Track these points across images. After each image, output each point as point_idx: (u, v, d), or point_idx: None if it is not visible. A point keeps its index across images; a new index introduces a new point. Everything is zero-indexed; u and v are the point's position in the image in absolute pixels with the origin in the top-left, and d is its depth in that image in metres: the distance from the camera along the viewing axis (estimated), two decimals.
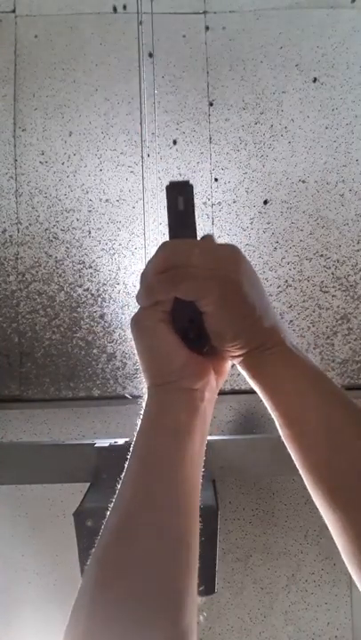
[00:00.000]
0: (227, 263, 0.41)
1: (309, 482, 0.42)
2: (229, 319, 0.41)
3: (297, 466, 0.43)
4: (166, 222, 0.45)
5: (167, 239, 0.45)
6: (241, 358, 0.44)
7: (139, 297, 0.43)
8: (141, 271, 0.43)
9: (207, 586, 0.87)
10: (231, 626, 1.13)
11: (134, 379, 1.13)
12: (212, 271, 0.40)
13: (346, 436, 0.41)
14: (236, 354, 0.44)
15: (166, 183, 0.45)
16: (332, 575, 1.12)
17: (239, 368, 0.45)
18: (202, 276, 0.40)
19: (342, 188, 1.15)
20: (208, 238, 0.45)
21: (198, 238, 0.45)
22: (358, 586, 0.39)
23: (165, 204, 0.45)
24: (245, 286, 0.41)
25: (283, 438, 0.44)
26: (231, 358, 0.45)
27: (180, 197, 0.44)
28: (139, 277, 0.44)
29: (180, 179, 0.45)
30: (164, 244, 0.42)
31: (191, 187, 0.44)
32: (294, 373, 0.43)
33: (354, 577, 0.39)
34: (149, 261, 0.42)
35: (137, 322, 0.43)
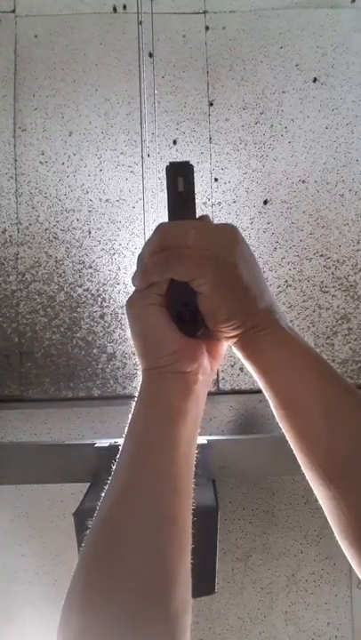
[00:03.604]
0: (222, 244, 0.41)
1: (304, 460, 0.42)
2: (224, 299, 0.42)
3: (291, 446, 0.43)
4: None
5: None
6: (236, 339, 0.44)
7: (134, 279, 0.43)
8: (138, 253, 0.43)
9: (207, 586, 0.87)
10: (231, 626, 1.13)
11: (134, 379, 1.13)
12: (207, 252, 0.40)
13: (340, 412, 0.41)
14: (231, 335, 0.44)
15: (166, 163, 0.44)
16: (332, 575, 1.12)
17: (234, 349, 0.46)
18: (197, 256, 0.40)
19: (342, 188, 1.16)
20: (205, 218, 0.45)
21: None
22: (352, 564, 0.39)
23: (165, 184, 0.44)
24: (241, 267, 0.41)
25: (277, 419, 0.44)
26: (226, 339, 0.45)
27: (179, 178, 0.43)
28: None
29: (181, 159, 0.45)
30: (160, 225, 0.42)
31: (192, 167, 0.44)
32: (289, 353, 0.43)
33: (347, 554, 0.40)
34: (145, 243, 0.43)
35: (131, 304, 0.44)
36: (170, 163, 0.44)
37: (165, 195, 0.45)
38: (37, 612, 1.11)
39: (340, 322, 1.15)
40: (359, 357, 1.14)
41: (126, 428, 0.43)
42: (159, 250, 0.41)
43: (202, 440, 0.97)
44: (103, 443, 0.97)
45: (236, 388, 1.13)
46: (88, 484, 0.95)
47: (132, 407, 0.43)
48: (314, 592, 1.13)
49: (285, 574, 1.13)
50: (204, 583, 0.86)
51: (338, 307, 1.15)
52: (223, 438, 1.03)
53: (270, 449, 0.94)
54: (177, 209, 0.44)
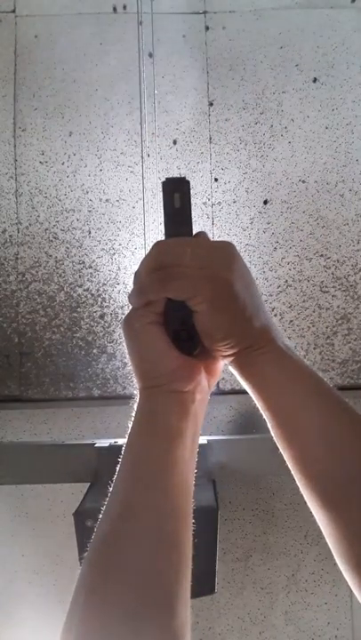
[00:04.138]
0: (219, 262, 0.41)
1: (301, 481, 0.41)
2: (220, 319, 0.41)
3: (289, 465, 0.42)
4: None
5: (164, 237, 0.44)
6: (232, 358, 0.44)
7: (131, 297, 0.43)
8: (135, 271, 0.43)
9: (207, 586, 0.87)
10: (231, 626, 1.12)
11: (134, 379, 1.13)
12: (203, 270, 0.40)
13: (339, 435, 0.40)
14: (227, 354, 0.43)
15: (162, 179, 0.44)
16: (332, 575, 1.12)
17: (231, 368, 0.45)
18: (193, 275, 0.40)
19: (342, 188, 1.15)
20: (202, 236, 0.44)
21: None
22: (353, 588, 0.38)
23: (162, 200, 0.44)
24: (237, 286, 0.40)
25: (274, 438, 0.43)
26: (222, 358, 0.45)
27: (176, 194, 0.43)
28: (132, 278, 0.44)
29: (177, 175, 0.45)
30: (157, 243, 0.42)
31: (188, 183, 0.43)
32: (286, 373, 0.42)
33: (346, 575, 0.39)
34: (142, 261, 0.42)
35: (128, 323, 0.43)
36: (166, 178, 0.43)
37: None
38: (37, 612, 1.11)
39: (340, 322, 1.15)
40: (359, 357, 1.14)
41: (123, 447, 0.42)
42: (156, 268, 0.41)
43: (202, 440, 0.96)
44: (103, 443, 0.97)
45: (237, 387, 1.13)
46: (88, 484, 0.95)
47: (129, 426, 0.43)
48: (314, 592, 1.13)
49: (285, 574, 1.13)
50: (204, 583, 0.86)
51: (338, 307, 1.15)
52: (223, 438, 1.03)
53: (270, 449, 0.93)
54: (173, 225, 0.43)
